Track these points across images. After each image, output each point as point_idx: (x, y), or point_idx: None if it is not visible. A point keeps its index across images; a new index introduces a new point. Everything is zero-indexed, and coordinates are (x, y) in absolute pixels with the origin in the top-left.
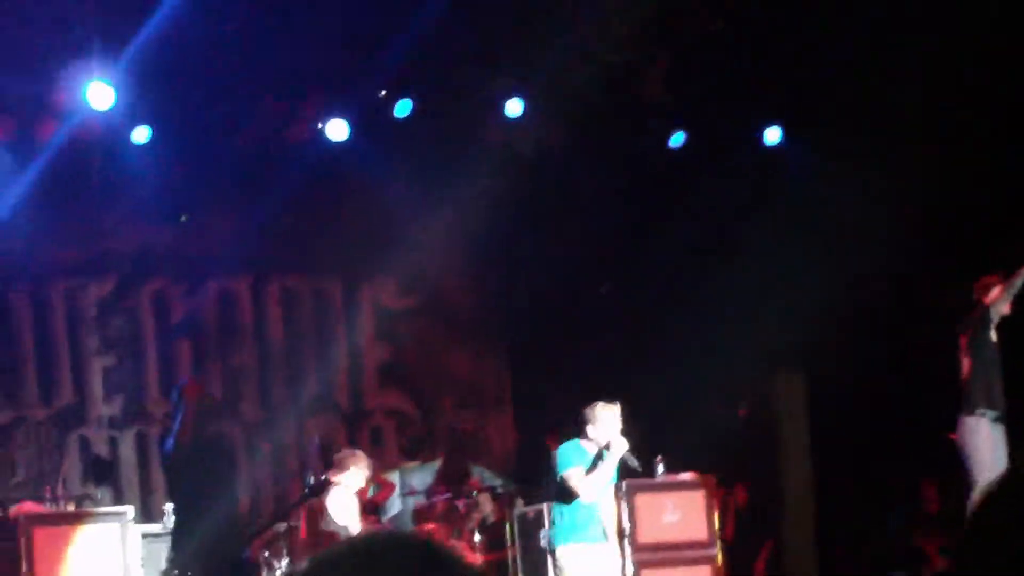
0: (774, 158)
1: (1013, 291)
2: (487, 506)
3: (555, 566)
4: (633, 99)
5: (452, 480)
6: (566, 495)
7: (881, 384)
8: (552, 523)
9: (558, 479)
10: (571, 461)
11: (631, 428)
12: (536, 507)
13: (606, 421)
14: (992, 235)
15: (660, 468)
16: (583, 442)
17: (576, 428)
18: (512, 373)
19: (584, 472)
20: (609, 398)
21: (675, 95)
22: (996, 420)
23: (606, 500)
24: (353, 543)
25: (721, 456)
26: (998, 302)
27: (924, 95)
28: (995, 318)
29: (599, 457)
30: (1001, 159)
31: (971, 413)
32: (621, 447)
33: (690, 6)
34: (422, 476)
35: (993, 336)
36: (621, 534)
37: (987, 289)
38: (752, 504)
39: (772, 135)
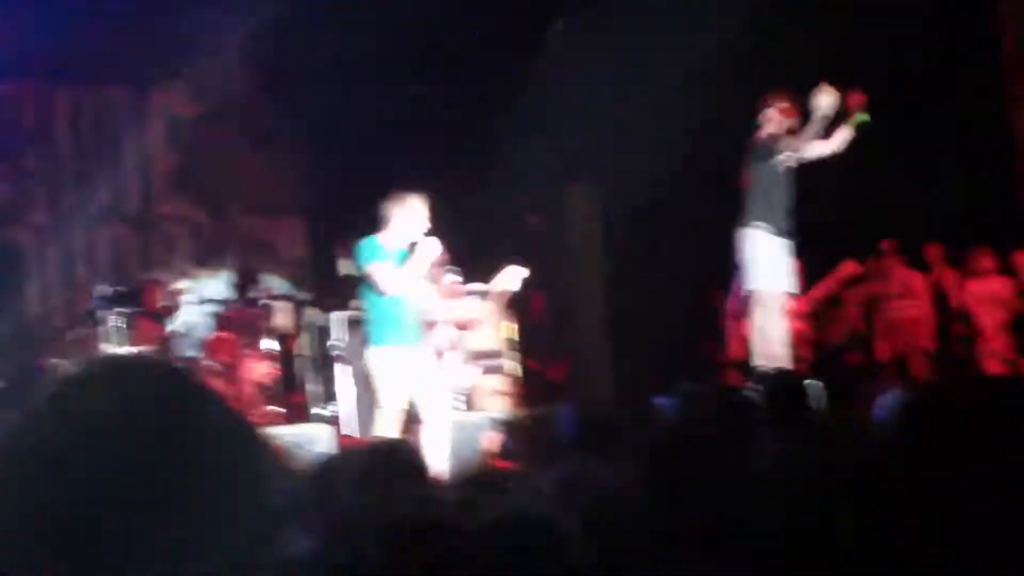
0: None
1: (811, 136)
2: (280, 315)
3: (367, 369)
4: None
5: (244, 288)
6: (373, 290)
7: (670, 198)
8: (364, 324)
9: (364, 273)
10: (374, 255)
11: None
12: (327, 315)
13: (409, 213)
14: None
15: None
16: (380, 237)
17: (377, 225)
18: (304, 180)
19: (387, 268)
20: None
21: None
22: (775, 234)
23: (417, 300)
24: (105, 361)
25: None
26: (782, 143)
27: None
28: (783, 153)
29: (408, 252)
30: None
31: (747, 226)
32: (432, 248)
33: None
34: (215, 284)
35: (780, 162)
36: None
37: (772, 119)
38: (548, 312)
39: None
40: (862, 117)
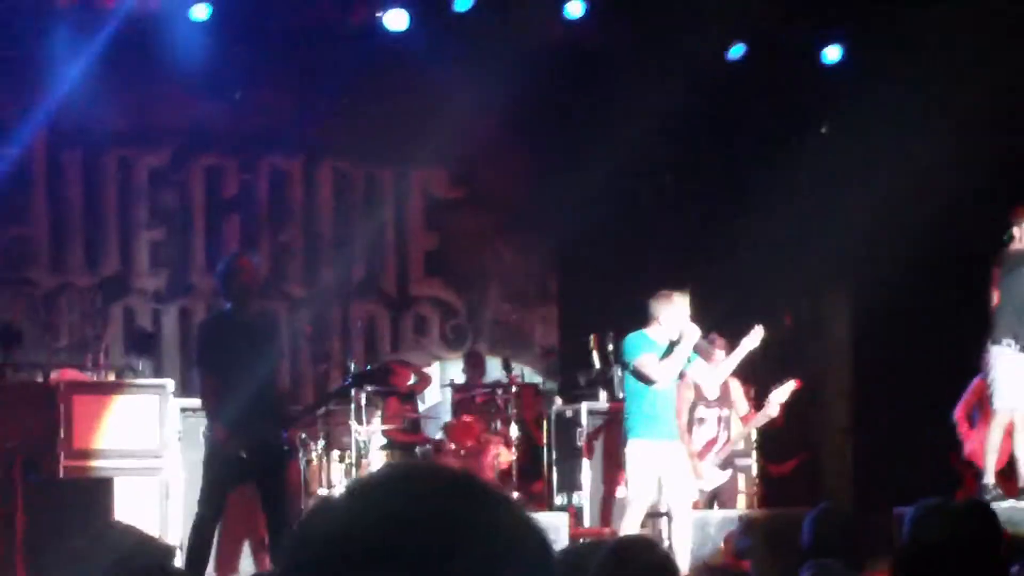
0: (833, 75)
1: None
2: (526, 402)
3: (625, 462)
4: (694, 6)
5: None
6: (639, 383)
7: (925, 306)
8: (624, 418)
9: (630, 368)
10: (641, 348)
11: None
12: (574, 406)
13: (676, 309)
14: None
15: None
16: (649, 331)
17: (642, 319)
18: (559, 268)
19: (657, 359)
20: (676, 288)
21: (737, 6)
22: (1022, 350)
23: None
24: (393, 469)
25: (765, 367)
26: None
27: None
28: None
29: (674, 343)
30: None
31: (996, 343)
32: (694, 333)
33: None
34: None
35: None
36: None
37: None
38: (791, 415)
39: (832, 53)
40: None
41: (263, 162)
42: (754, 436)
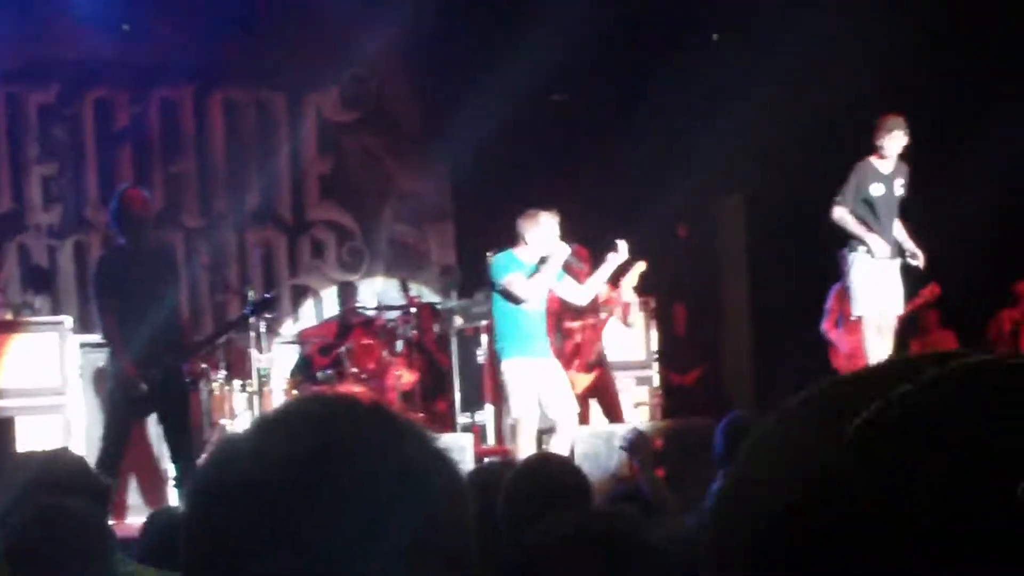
0: None
1: None
2: (425, 322)
3: (500, 381)
4: None
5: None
6: (507, 302)
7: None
8: (495, 338)
9: (498, 288)
10: (508, 268)
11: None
12: (475, 323)
13: (544, 228)
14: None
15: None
16: (517, 251)
17: (511, 238)
18: (453, 186)
19: (524, 278)
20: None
21: None
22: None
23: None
24: (298, 403)
25: (661, 276)
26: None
27: None
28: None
29: (541, 262)
30: None
31: (852, 250)
32: (562, 252)
33: None
34: (362, 291)
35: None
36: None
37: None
38: (691, 324)
39: None
40: None
41: (153, 93)
42: (655, 347)
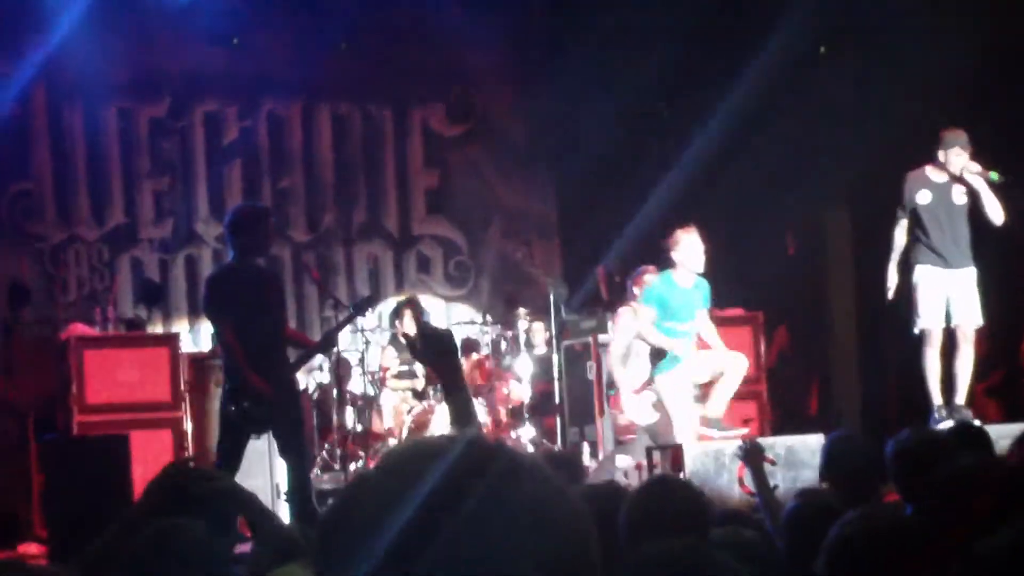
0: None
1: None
2: (535, 338)
3: (655, 397)
4: None
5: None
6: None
7: None
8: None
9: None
10: (656, 298)
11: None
12: (582, 340)
13: (686, 245)
14: None
15: None
16: (674, 273)
17: (662, 260)
18: (560, 202)
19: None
20: (683, 224)
21: None
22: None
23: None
24: (427, 443)
25: (768, 293)
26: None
27: None
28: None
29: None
30: None
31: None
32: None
33: None
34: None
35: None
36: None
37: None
38: (796, 340)
39: None
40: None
41: (262, 107)
42: (764, 363)
